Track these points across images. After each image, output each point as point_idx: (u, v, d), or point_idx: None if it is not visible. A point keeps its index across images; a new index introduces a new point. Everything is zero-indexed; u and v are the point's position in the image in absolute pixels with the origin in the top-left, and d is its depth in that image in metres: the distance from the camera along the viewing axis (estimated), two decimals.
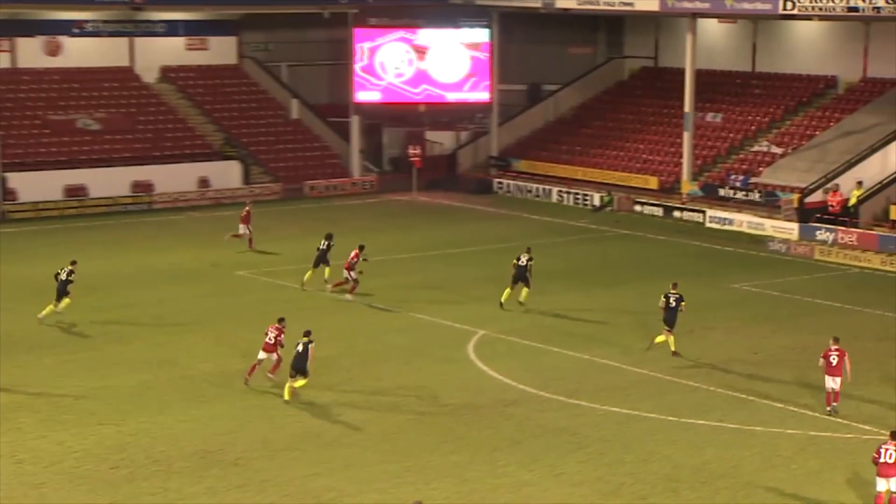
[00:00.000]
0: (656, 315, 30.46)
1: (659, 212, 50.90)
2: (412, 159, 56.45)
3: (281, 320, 26.91)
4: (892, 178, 46.25)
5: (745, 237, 46.07)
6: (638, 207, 51.92)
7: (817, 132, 51.61)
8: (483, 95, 59.36)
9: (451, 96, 59.37)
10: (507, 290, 33.76)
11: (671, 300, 29.57)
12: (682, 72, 52.44)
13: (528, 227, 49.27)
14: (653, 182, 53.47)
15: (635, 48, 62.73)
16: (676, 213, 50.21)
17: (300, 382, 25.81)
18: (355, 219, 51.03)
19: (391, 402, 26.32)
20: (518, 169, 58.93)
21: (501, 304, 33.68)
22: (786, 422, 24.81)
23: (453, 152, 62.13)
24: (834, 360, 25.32)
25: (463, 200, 55.80)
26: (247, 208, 42.53)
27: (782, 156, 51.34)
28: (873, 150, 47.74)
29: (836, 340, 25.75)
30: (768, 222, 46.43)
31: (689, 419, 25.05)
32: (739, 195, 49.54)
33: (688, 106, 51.66)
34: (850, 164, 47.58)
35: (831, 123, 51.63)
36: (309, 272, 35.84)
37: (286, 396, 25.73)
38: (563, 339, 31.26)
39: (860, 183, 46.14)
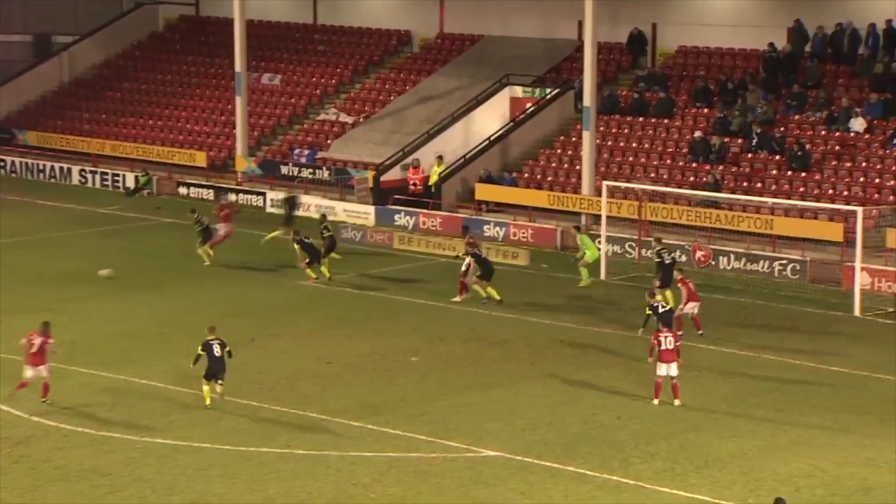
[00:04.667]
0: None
1: (209, 194, 51.11)
2: None
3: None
4: (475, 151, 49.29)
5: (314, 223, 47.30)
6: (183, 189, 51.89)
7: (392, 97, 53.98)
8: None
9: None
10: None
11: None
12: (229, 23, 53.00)
13: (43, 216, 47.85)
14: (200, 158, 53.63)
15: None
16: (231, 196, 50.64)
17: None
18: None
19: None
20: (26, 143, 57.04)
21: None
22: (363, 443, 25.78)
23: None
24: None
25: None
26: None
27: (353, 125, 53.24)
28: (454, 118, 50.67)
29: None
30: (340, 205, 47.98)
31: (250, 447, 25.40)
32: (305, 173, 50.79)
33: (239, 65, 52.23)
34: (430, 136, 50.21)
35: (407, 87, 54.19)
36: None
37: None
38: (89, 356, 30.65)
39: (441, 158, 48.80)
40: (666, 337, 27.92)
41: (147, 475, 23.83)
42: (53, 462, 24.38)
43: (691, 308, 32.93)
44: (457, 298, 36.43)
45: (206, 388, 27.43)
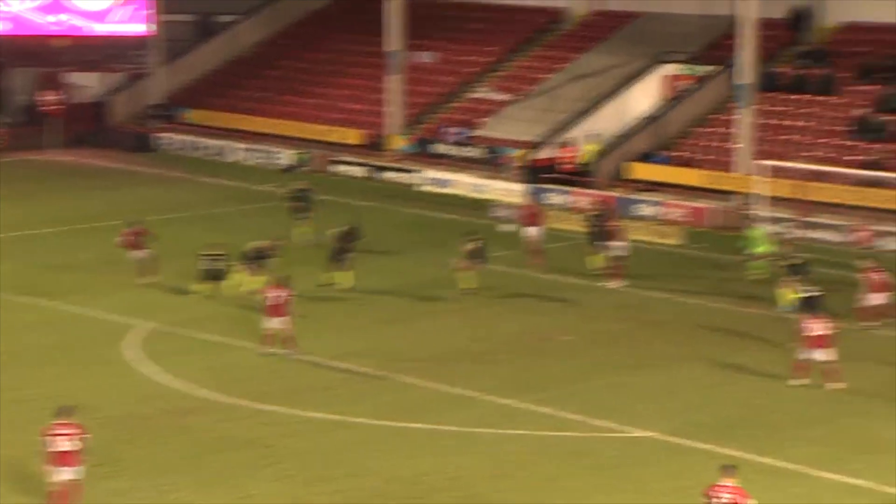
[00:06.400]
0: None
1: (363, 172, 51.68)
2: (48, 108, 54.68)
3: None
4: (629, 130, 48.92)
5: (466, 202, 47.53)
6: (337, 167, 52.51)
7: (545, 75, 53.82)
8: (140, 28, 58.31)
9: (99, 28, 58.00)
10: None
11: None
12: (387, 1, 53.28)
13: (202, 192, 48.89)
14: (355, 136, 54.19)
15: None
16: (384, 174, 51.14)
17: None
18: None
19: (25, 417, 25.55)
20: (188, 120, 58.27)
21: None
22: (514, 421, 25.89)
23: (103, 99, 60.62)
24: None
25: (117, 160, 54.63)
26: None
27: (506, 104, 53.24)
28: (608, 97, 50.34)
29: None
30: (492, 184, 48.09)
31: (403, 423, 25.71)
32: (458, 152, 51.00)
33: (395, 43, 52.58)
34: (583, 114, 49.98)
35: (562, 65, 53.98)
36: None
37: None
38: (251, 330, 31.25)
39: (594, 136, 48.56)
40: (811, 323, 27.45)
41: (305, 448, 24.30)
42: (216, 433, 24.97)
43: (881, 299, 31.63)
44: (611, 284, 36.15)
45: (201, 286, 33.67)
